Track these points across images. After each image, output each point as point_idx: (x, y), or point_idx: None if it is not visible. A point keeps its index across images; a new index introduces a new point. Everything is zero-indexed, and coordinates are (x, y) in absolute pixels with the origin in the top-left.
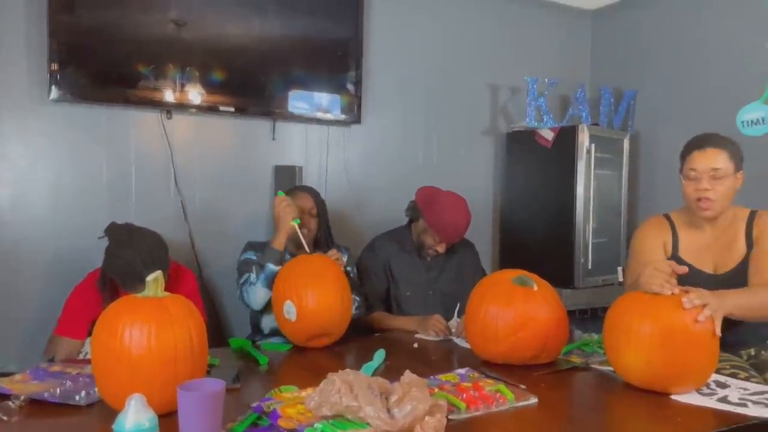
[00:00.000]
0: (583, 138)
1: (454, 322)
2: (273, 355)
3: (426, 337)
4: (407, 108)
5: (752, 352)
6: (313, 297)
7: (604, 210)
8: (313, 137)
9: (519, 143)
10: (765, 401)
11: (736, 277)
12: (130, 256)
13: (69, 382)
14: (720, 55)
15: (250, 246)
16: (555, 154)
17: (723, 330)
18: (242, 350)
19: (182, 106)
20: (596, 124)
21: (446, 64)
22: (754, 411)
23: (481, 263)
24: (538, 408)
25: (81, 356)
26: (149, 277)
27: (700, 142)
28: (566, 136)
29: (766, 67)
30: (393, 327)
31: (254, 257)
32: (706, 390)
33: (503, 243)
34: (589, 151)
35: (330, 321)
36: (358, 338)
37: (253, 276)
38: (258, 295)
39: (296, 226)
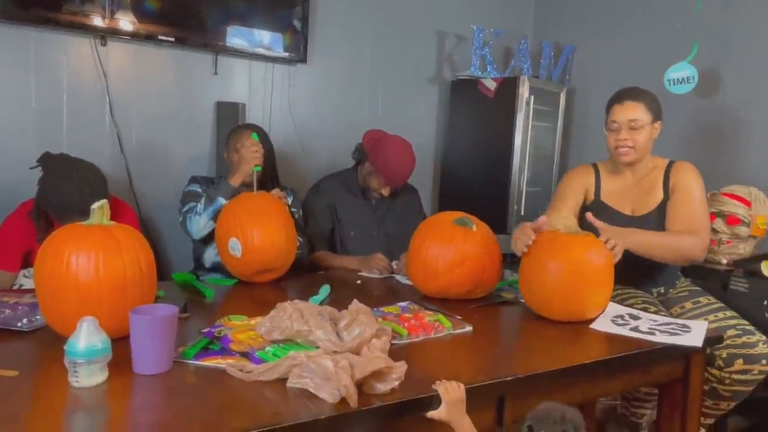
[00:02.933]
0: (523, 90)
1: (395, 262)
2: (218, 290)
3: (369, 275)
4: (354, 50)
5: (662, 290)
6: (258, 233)
7: (539, 160)
8: (257, 74)
9: (463, 92)
10: (670, 330)
11: (651, 220)
12: (67, 188)
13: (8, 310)
14: (652, 15)
15: (195, 180)
16: (496, 104)
17: (637, 271)
18: (186, 284)
19: (116, 33)
20: (536, 77)
21: (395, 8)
22: (660, 338)
23: (422, 205)
24: (472, 335)
25: (15, 288)
26: (95, 205)
27: (619, 96)
28: (507, 87)
29: (695, 28)
30: (336, 265)
31: (200, 189)
32: (620, 321)
33: (444, 188)
34: (528, 103)
35: (275, 256)
36: (303, 275)
37: (200, 206)
38: (200, 225)
39: (255, 174)
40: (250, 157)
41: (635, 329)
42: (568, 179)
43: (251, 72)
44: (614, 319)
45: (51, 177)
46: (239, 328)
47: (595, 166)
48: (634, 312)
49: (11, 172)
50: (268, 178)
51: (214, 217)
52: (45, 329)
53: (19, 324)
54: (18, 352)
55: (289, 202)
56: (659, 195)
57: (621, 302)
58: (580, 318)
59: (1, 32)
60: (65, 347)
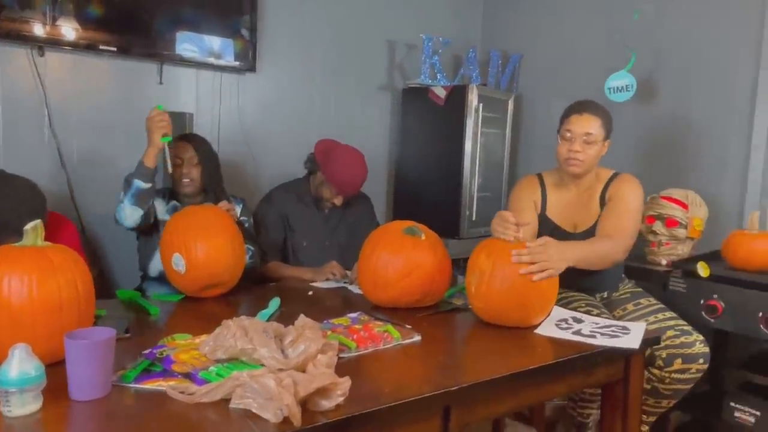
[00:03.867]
0: (472, 97)
1: (347, 272)
2: (164, 306)
3: (321, 285)
4: (305, 59)
5: (605, 294)
6: (202, 248)
7: (489, 166)
8: (205, 84)
9: (414, 99)
10: (610, 333)
11: (590, 236)
12: (3, 208)
13: None
14: (594, 25)
15: None
16: (446, 112)
17: (580, 275)
18: (131, 301)
19: (55, 43)
20: (485, 85)
21: (345, 17)
22: (600, 341)
23: (376, 215)
24: (421, 344)
25: None
26: (27, 226)
27: (579, 107)
28: (457, 95)
29: (633, 37)
30: (288, 276)
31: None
32: (564, 324)
33: (397, 195)
34: (477, 110)
35: (221, 271)
36: (253, 288)
37: (121, 196)
38: (125, 213)
39: (166, 146)
40: (155, 128)
41: (578, 332)
42: (519, 196)
43: (199, 81)
44: (558, 323)
45: None
46: (183, 348)
47: (540, 177)
48: (578, 315)
49: None
50: (211, 188)
51: (136, 201)
52: None
53: None
54: None
55: (238, 213)
56: (596, 209)
57: (565, 306)
58: (526, 324)
59: None
60: None
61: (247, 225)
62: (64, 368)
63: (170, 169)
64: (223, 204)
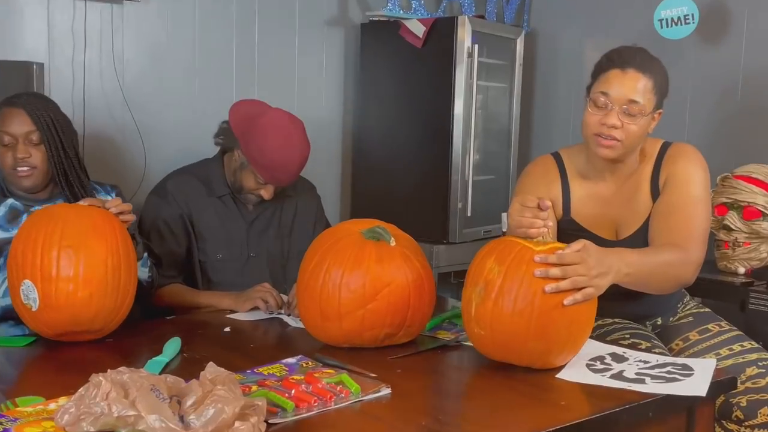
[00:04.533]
0: (464, 35)
1: (283, 297)
2: (7, 352)
3: (244, 318)
4: None
5: (659, 320)
6: (67, 276)
7: (491, 136)
8: (62, 19)
9: (378, 40)
10: (666, 375)
11: (639, 243)
12: None
13: None
14: None
15: None
16: (427, 57)
17: (624, 299)
18: None
19: None
20: (482, 17)
21: None
22: (651, 387)
23: (325, 212)
24: (390, 400)
25: None
26: None
27: (621, 60)
28: (441, 32)
29: None
30: (194, 305)
31: None
32: (599, 365)
33: (356, 183)
34: (471, 54)
35: (95, 313)
36: (140, 325)
37: None
38: None
39: None
40: (10, 165)
41: (619, 376)
42: (527, 187)
43: (51, 15)
44: (591, 363)
45: None
46: (30, 418)
47: (559, 161)
48: (619, 351)
49: None
50: (64, 175)
51: None
52: None
53: None
54: None
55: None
56: (646, 203)
57: (602, 337)
58: (547, 365)
59: None
60: None
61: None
62: None
63: None
64: (89, 201)
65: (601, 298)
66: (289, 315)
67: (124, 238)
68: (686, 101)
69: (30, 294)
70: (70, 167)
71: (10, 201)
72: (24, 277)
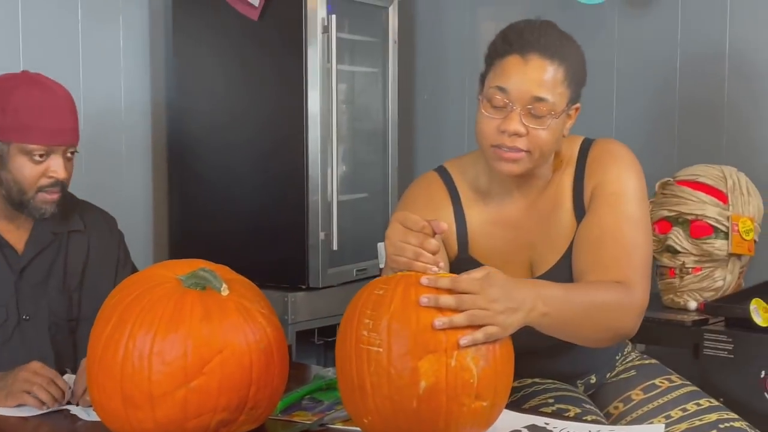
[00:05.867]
0: (316, 2)
1: (70, 377)
2: None
3: (9, 412)
4: None
5: (592, 379)
6: None
7: (361, 140)
8: None
9: (195, 11)
10: None
11: (564, 277)
12: None
13: None
14: None
15: None
16: (266, 34)
17: (546, 352)
18: None
19: None
20: None
21: None
22: None
23: (128, 253)
24: None
25: None
26: None
27: (522, 41)
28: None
29: None
30: None
31: None
32: None
33: (172, 208)
34: (327, 29)
35: None
36: None
37: None
38: None
39: None
40: None
41: None
42: (410, 209)
43: None
44: None
45: None
46: None
47: (447, 179)
48: (540, 422)
49: None
50: None
51: None
52: None
53: None
54: None
55: None
56: (568, 224)
57: (518, 404)
58: None
59: None
60: None
61: None
62: None
63: None
64: None
65: (517, 354)
66: (77, 405)
67: None
68: (612, 87)
69: None
70: None
71: None
72: None
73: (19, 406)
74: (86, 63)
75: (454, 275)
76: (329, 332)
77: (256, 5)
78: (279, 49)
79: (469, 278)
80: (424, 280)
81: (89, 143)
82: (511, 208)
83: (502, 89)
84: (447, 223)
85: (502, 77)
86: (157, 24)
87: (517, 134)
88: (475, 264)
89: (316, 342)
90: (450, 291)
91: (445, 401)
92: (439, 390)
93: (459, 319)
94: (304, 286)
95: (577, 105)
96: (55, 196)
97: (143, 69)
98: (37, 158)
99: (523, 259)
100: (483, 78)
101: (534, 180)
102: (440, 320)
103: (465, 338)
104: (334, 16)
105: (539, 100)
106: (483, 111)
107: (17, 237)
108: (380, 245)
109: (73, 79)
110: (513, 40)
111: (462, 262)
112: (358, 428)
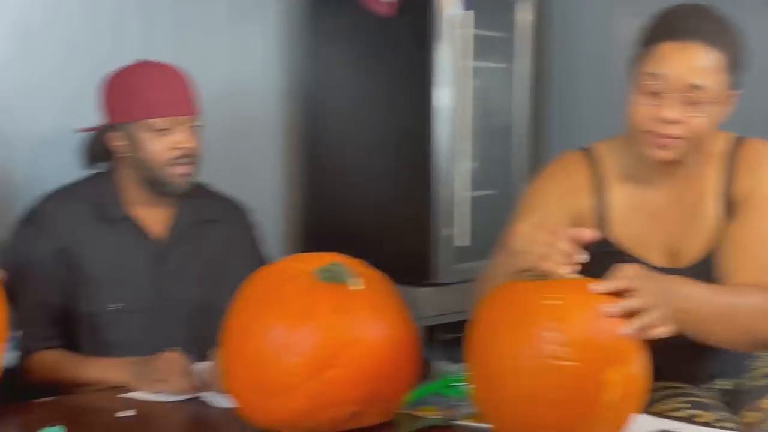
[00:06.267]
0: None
1: (204, 364)
2: None
3: (149, 397)
4: None
5: (729, 385)
6: None
7: (491, 136)
8: None
9: (330, 12)
10: None
11: (702, 274)
12: None
13: None
14: None
15: None
16: (398, 31)
17: (677, 355)
18: None
19: None
20: None
21: None
22: None
23: (261, 244)
24: None
25: None
26: None
27: (678, 26)
28: None
29: None
30: (82, 380)
31: None
32: None
33: (306, 204)
34: (460, 25)
35: None
36: (7, 407)
37: None
38: None
39: None
40: None
41: None
42: (543, 186)
43: None
44: None
45: None
46: None
47: (592, 160)
48: (671, 427)
49: None
50: None
51: None
52: None
53: None
54: None
55: None
56: (714, 220)
57: (648, 408)
58: None
59: None
60: None
61: None
62: None
63: None
64: None
65: (655, 352)
66: (211, 392)
67: None
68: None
69: None
70: None
71: None
72: None
73: (156, 394)
74: (226, 55)
75: (615, 278)
76: (454, 328)
77: (389, 2)
78: (411, 45)
79: (624, 277)
80: (595, 287)
81: (225, 136)
82: (654, 195)
83: (656, 75)
84: (584, 204)
85: (657, 63)
86: (293, 18)
87: (673, 122)
88: (611, 247)
89: (443, 338)
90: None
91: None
92: (622, 399)
93: (638, 323)
94: (429, 282)
95: (737, 92)
96: (187, 169)
97: (278, 63)
98: (162, 132)
99: (661, 247)
100: (636, 62)
101: (681, 169)
102: (625, 328)
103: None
104: (472, 12)
105: (696, 87)
106: (637, 96)
107: (157, 225)
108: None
109: (213, 72)
110: (667, 25)
111: (600, 246)
112: (488, 425)
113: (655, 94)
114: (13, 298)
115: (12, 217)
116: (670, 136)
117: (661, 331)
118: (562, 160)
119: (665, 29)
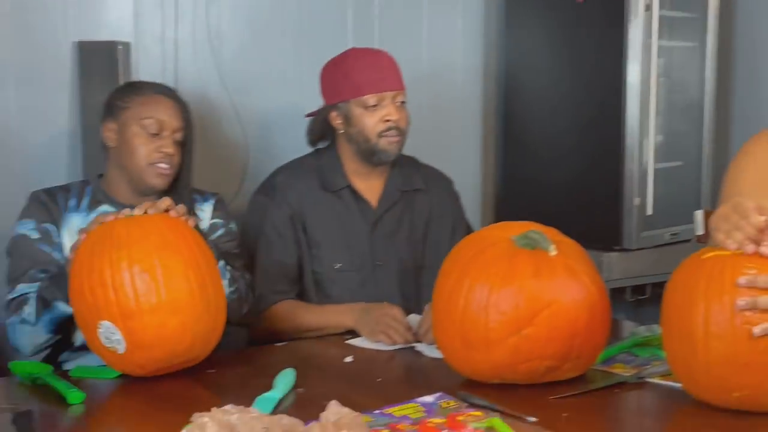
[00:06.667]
0: None
1: (415, 318)
2: (93, 386)
3: (368, 345)
4: None
5: None
6: (150, 307)
7: (677, 111)
8: None
9: None
10: None
11: None
12: None
13: None
14: None
15: (38, 203)
16: (590, 14)
17: None
18: (36, 383)
19: None
20: None
21: None
22: None
23: (465, 212)
24: None
25: None
26: None
27: None
28: None
29: None
30: (312, 326)
31: (37, 232)
32: None
33: (501, 175)
34: (649, 6)
35: (190, 341)
36: (246, 352)
37: (29, 310)
38: (33, 341)
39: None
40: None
41: None
42: (748, 162)
43: None
44: None
45: None
46: None
47: None
48: None
49: None
50: (183, 178)
51: (56, 328)
52: None
53: None
54: None
55: (206, 220)
56: None
57: None
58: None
59: None
60: None
61: (221, 232)
62: None
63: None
64: (176, 209)
65: None
66: (421, 342)
67: (199, 246)
68: None
69: (112, 336)
70: (185, 174)
71: (103, 208)
72: (100, 318)
73: (376, 343)
74: (429, 39)
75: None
76: (641, 291)
77: None
78: (601, 30)
79: None
80: (741, 280)
81: (429, 113)
82: None
83: None
84: None
85: None
86: (491, 3)
87: None
88: None
89: (628, 300)
90: None
91: None
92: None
93: None
94: (618, 248)
95: None
96: (396, 139)
97: (477, 46)
98: (373, 108)
99: None
100: None
101: None
102: (758, 328)
103: None
104: None
105: None
106: None
107: (371, 194)
108: (697, 213)
109: (417, 61)
110: None
111: None
112: (679, 384)
113: None
114: (252, 258)
115: (245, 186)
116: None
117: None
118: (762, 138)
119: None
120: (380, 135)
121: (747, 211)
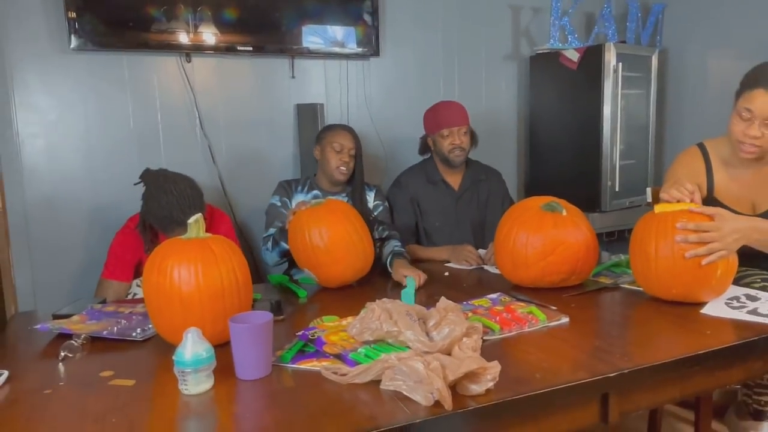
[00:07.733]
0: (610, 57)
1: (482, 251)
2: (310, 289)
3: (457, 266)
4: (426, 37)
5: None
6: (331, 264)
7: (632, 131)
8: (333, 73)
9: (543, 66)
10: None
11: None
12: (167, 202)
13: (124, 321)
14: None
15: (281, 187)
16: (581, 75)
17: (756, 254)
18: (281, 285)
19: (199, 48)
20: (623, 42)
21: None
22: None
23: (509, 191)
24: (569, 327)
25: (129, 297)
26: (190, 220)
27: (761, 79)
28: (592, 56)
29: None
30: (425, 258)
31: (279, 203)
32: (735, 303)
33: (529, 169)
34: (615, 70)
35: (350, 276)
36: (385, 272)
37: (269, 245)
38: (271, 259)
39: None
40: (337, 164)
41: (754, 312)
42: (680, 165)
43: (326, 71)
44: (729, 302)
45: (152, 192)
46: (332, 330)
47: (703, 151)
48: (752, 292)
49: (118, 190)
50: (358, 178)
51: (284, 255)
52: (156, 338)
53: (133, 334)
54: (134, 361)
55: (371, 200)
56: None
57: (736, 282)
58: (695, 299)
59: (99, 59)
60: (174, 357)
61: (381, 209)
62: (229, 350)
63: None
64: (300, 205)
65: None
66: (486, 264)
67: (356, 217)
68: None
69: (311, 275)
70: (359, 173)
71: (314, 192)
72: (303, 266)
73: (459, 263)
74: (486, 92)
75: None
76: (612, 235)
77: (576, 61)
78: (587, 84)
79: (706, 222)
80: (678, 224)
81: (488, 137)
82: (744, 173)
83: (749, 110)
84: (701, 178)
85: (750, 101)
86: (523, 69)
87: (755, 137)
88: (717, 203)
89: (604, 240)
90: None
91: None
92: (722, 274)
93: (702, 250)
94: (598, 210)
95: None
96: (459, 153)
97: (513, 97)
98: (447, 137)
99: (747, 203)
100: (737, 97)
101: (761, 160)
102: (689, 253)
103: (705, 260)
104: (620, 63)
105: None
106: (734, 119)
107: (453, 181)
108: (648, 189)
109: (481, 110)
110: (759, 79)
111: (709, 201)
112: (640, 288)
113: (746, 120)
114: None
115: (386, 181)
116: (753, 145)
117: (721, 255)
118: (688, 152)
119: (755, 80)
120: (449, 152)
121: (683, 182)
